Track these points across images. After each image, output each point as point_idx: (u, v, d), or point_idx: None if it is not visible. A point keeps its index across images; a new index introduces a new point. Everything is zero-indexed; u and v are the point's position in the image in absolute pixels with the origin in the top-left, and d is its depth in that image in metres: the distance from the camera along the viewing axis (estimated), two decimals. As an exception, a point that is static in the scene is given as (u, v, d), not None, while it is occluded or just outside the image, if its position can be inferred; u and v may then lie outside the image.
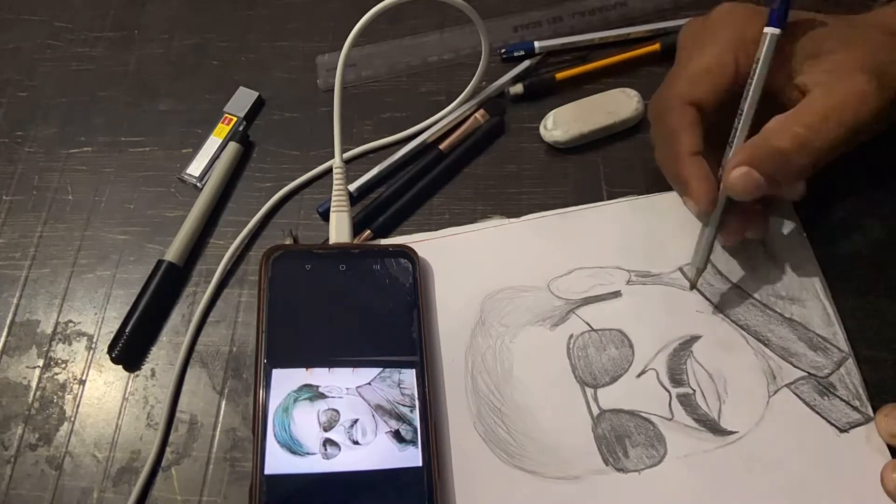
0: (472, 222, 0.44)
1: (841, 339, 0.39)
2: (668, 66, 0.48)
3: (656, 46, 0.48)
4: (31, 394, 0.40)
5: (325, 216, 0.44)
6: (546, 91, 0.48)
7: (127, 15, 0.54)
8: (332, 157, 0.44)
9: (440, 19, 0.51)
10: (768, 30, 0.37)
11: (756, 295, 0.40)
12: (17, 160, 0.48)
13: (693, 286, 0.40)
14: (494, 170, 0.46)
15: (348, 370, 0.37)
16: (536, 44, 0.49)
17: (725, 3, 0.40)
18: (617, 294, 0.41)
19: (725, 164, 0.37)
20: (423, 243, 0.42)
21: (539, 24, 0.51)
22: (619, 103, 0.46)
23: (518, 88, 0.47)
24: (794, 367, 0.38)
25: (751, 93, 0.37)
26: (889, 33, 0.37)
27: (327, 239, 0.42)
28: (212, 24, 0.53)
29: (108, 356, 0.41)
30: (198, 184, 0.46)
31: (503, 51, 0.49)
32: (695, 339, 0.39)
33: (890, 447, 0.36)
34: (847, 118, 0.35)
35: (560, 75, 0.48)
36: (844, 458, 0.36)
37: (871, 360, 0.38)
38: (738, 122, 0.37)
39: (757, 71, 0.37)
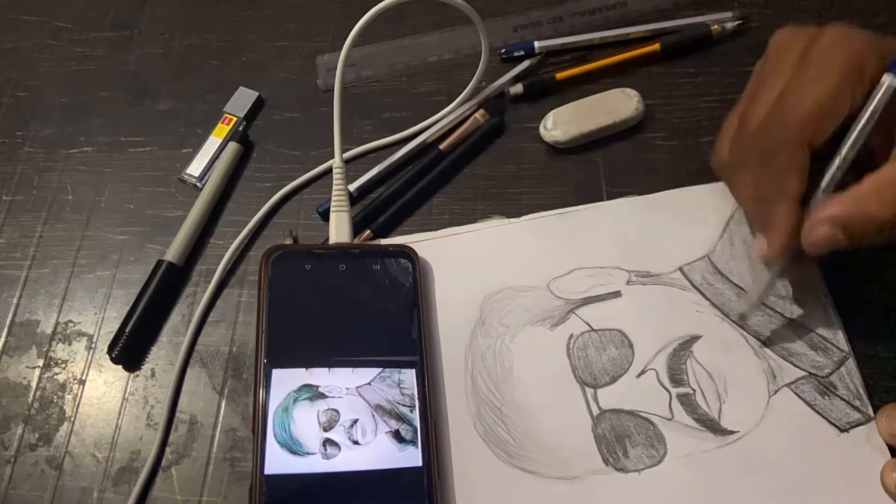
0: (472, 222, 0.44)
1: (841, 339, 0.39)
2: (668, 66, 0.48)
3: (656, 46, 0.48)
4: (31, 394, 0.40)
5: (325, 216, 0.44)
6: (546, 91, 0.48)
7: (127, 15, 0.54)
8: (332, 157, 0.44)
9: (440, 19, 0.51)
10: (888, 78, 0.33)
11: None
12: (17, 160, 0.48)
13: (744, 318, 0.39)
14: (494, 170, 0.46)
15: (348, 370, 0.37)
16: (536, 44, 0.49)
17: (840, 26, 0.36)
18: (617, 294, 0.41)
19: (810, 210, 0.35)
20: (423, 243, 0.42)
21: (539, 23, 0.51)
22: (619, 103, 0.45)
23: (518, 88, 0.47)
24: (795, 366, 0.38)
25: (853, 140, 0.34)
26: None
27: (327, 239, 0.42)
28: (212, 24, 0.53)
29: (108, 356, 0.41)
30: (198, 184, 0.46)
31: (503, 51, 0.49)
32: (695, 338, 0.39)
33: (890, 447, 0.36)
34: None
35: (560, 75, 0.48)
36: (845, 458, 0.35)
37: (872, 359, 0.38)
38: (833, 168, 0.34)
39: (865, 119, 0.34)
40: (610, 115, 0.45)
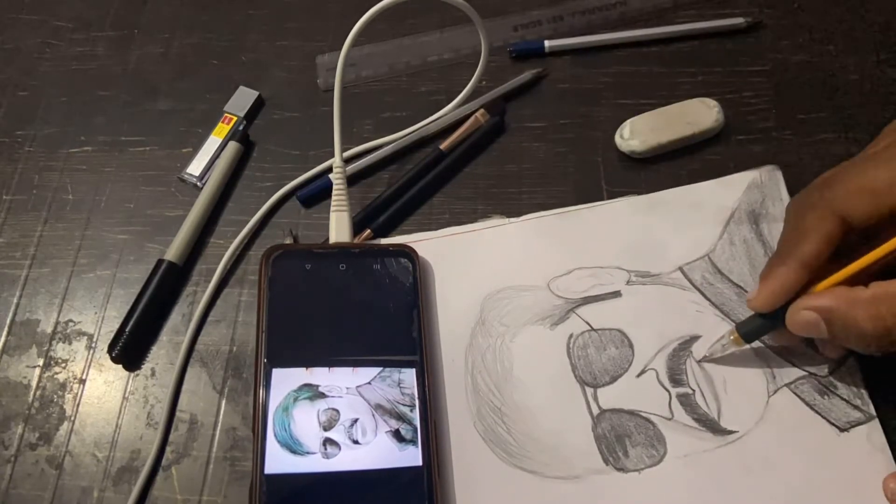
0: (472, 222, 0.44)
1: None
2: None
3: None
4: (32, 393, 0.40)
5: (305, 203, 0.45)
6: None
7: (127, 15, 0.54)
8: (332, 156, 0.44)
9: (440, 19, 0.51)
10: None
11: (756, 294, 0.40)
12: (17, 160, 0.48)
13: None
14: (494, 170, 0.46)
15: (348, 370, 0.37)
16: (546, 43, 0.49)
17: None
18: (617, 294, 0.41)
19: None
20: (423, 243, 0.42)
21: (539, 23, 0.51)
22: (699, 114, 0.45)
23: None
24: (795, 366, 0.38)
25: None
26: None
27: (327, 239, 0.42)
28: (212, 24, 0.53)
29: (108, 355, 0.41)
30: (198, 183, 0.46)
31: (511, 49, 0.49)
32: (694, 338, 0.39)
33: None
34: None
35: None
36: (845, 458, 0.35)
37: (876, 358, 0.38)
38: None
39: None
40: (690, 126, 0.44)
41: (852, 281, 0.33)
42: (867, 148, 0.36)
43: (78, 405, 0.40)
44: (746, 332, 0.37)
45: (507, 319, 0.40)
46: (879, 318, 0.31)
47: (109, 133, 0.49)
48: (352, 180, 0.45)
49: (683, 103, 0.45)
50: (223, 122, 0.48)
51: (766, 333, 0.37)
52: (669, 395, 0.38)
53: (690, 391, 0.38)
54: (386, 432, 0.36)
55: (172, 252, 0.43)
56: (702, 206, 0.43)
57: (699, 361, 0.38)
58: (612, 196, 0.44)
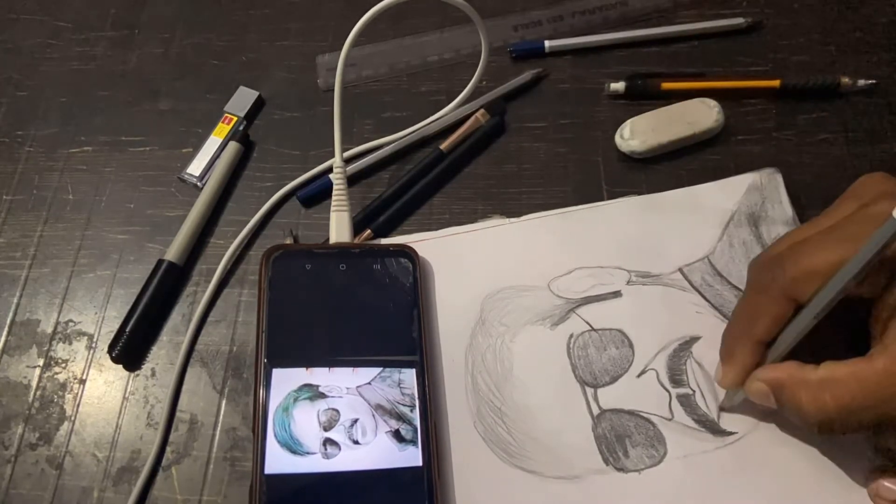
0: (472, 222, 0.44)
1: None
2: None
3: (776, 83, 0.46)
4: (32, 393, 0.40)
5: (306, 203, 0.45)
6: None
7: (127, 15, 0.54)
8: (332, 156, 0.44)
9: (440, 19, 0.51)
10: None
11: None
12: (17, 160, 0.48)
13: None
14: (494, 170, 0.46)
15: (348, 370, 0.37)
16: (547, 43, 0.49)
17: (875, 174, 0.34)
18: (617, 294, 0.41)
19: (768, 355, 0.34)
20: (424, 243, 0.42)
21: (539, 23, 0.51)
22: (699, 114, 0.44)
23: (619, 86, 0.46)
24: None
25: (826, 297, 0.30)
26: None
27: (327, 239, 0.42)
28: (212, 24, 0.53)
29: (108, 356, 0.41)
30: (198, 183, 0.46)
31: (511, 49, 0.49)
32: (695, 339, 0.39)
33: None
34: (883, 410, 0.29)
35: (666, 85, 0.46)
36: (851, 456, 0.35)
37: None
38: (799, 324, 0.32)
39: (850, 265, 0.29)
40: (690, 126, 0.44)
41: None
42: (827, 210, 0.34)
43: (78, 405, 0.40)
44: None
45: (507, 319, 0.40)
46: (822, 405, 0.30)
47: (109, 133, 0.49)
48: (352, 180, 0.45)
49: (683, 103, 0.45)
50: (223, 122, 0.48)
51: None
52: (670, 395, 0.38)
53: (691, 392, 0.38)
54: (386, 432, 0.36)
55: (172, 252, 0.43)
56: (702, 208, 0.43)
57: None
58: (612, 196, 0.44)
